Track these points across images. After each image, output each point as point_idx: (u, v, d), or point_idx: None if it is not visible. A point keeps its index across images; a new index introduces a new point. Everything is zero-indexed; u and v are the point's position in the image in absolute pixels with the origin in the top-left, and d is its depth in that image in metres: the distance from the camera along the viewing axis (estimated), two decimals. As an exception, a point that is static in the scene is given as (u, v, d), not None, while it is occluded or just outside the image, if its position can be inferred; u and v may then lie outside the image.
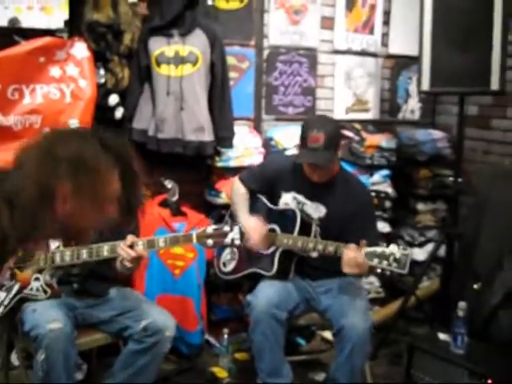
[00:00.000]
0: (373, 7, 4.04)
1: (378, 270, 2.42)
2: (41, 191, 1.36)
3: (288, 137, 3.53)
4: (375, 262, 2.40)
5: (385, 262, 2.38)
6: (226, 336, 3.24)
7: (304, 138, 2.65)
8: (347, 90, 4.07)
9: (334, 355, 2.66)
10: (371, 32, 4.07)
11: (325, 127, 2.62)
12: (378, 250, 2.41)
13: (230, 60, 3.55)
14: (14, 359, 2.97)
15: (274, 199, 2.88)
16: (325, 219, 2.72)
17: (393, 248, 2.39)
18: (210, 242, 2.30)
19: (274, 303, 2.62)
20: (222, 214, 3.36)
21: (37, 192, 1.36)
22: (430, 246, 3.89)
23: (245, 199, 2.92)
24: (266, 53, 3.78)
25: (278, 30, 3.79)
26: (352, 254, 2.46)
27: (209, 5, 3.44)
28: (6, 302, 2.44)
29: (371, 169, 3.79)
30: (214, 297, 3.48)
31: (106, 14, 2.98)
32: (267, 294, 2.65)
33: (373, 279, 3.91)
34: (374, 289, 3.92)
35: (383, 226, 3.76)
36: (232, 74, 3.56)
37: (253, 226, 2.74)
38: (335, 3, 3.94)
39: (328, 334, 3.53)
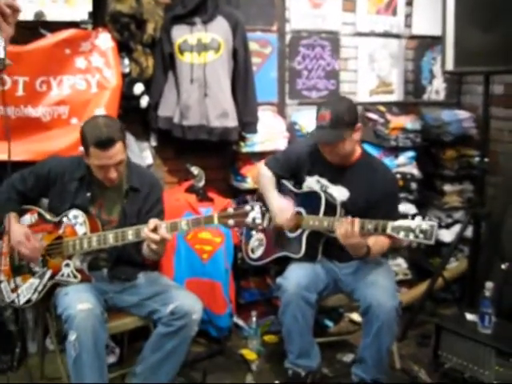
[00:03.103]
0: (395, -12, 4.01)
1: (405, 244, 2.43)
2: None
3: (312, 121, 3.53)
4: (402, 234, 2.40)
5: (411, 235, 2.38)
6: (254, 319, 3.30)
7: (316, 117, 2.70)
8: (371, 73, 4.05)
9: (362, 336, 2.68)
10: (394, 13, 4.03)
11: (333, 106, 2.63)
12: (404, 222, 2.41)
13: (253, 45, 3.57)
14: (49, 344, 3.07)
15: (298, 183, 2.91)
16: (348, 202, 2.73)
17: (418, 220, 2.39)
18: (231, 221, 2.33)
19: (304, 285, 2.65)
20: (246, 199, 3.41)
21: None
22: (457, 227, 3.87)
23: (272, 182, 2.95)
24: (288, 37, 3.79)
25: (299, 14, 3.78)
26: (347, 225, 2.50)
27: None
28: (39, 288, 2.53)
29: (396, 150, 3.77)
30: (242, 280, 3.53)
31: (128, 4, 3.01)
32: (297, 276, 2.68)
33: (400, 261, 3.92)
34: (402, 270, 3.92)
35: (409, 208, 3.75)
36: (255, 60, 3.58)
37: (281, 206, 2.80)
38: (356, -15, 3.92)
39: (356, 316, 3.56)
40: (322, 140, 2.69)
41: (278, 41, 3.75)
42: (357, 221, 2.50)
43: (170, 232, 2.35)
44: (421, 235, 2.36)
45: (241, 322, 3.47)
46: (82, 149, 2.51)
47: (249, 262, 3.06)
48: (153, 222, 2.34)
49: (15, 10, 1.76)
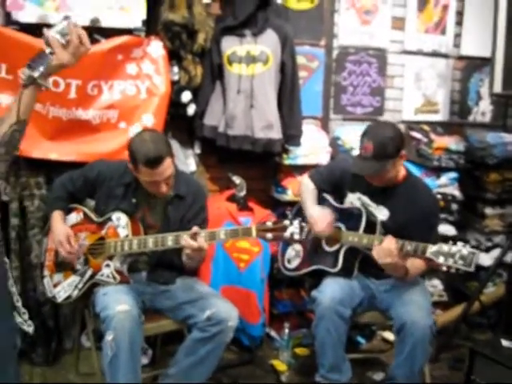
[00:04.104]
0: (445, 7, 3.99)
1: (444, 268, 2.41)
2: None
3: (355, 137, 3.52)
4: (441, 259, 2.39)
5: (451, 260, 2.36)
6: (286, 330, 3.30)
7: (360, 145, 2.68)
8: (416, 91, 4.04)
9: (395, 354, 2.66)
10: (443, 33, 4.02)
11: (377, 137, 2.59)
12: (445, 247, 2.39)
13: (300, 59, 3.60)
14: (84, 341, 3.14)
15: (339, 198, 2.91)
16: (388, 223, 2.72)
17: (459, 245, 2.37)
18: (269, 235, 2.35)
19: (339, 300, 2.65)
20: (286, 212, 3.41)
21: None
22: (496, 252, 3.81)
23: (313, 194, 2.96)
24: (335, 53, 3.81)
25: (348, 30, 3.81)
26: (387, 243, 2.49)
27: (279, 4, 3.50)
28: (79, 286, 2.59)
29: (439, 171, 3.75)
30: (276, 291, 3.54)
31: (181, 14, 3.09)
32: (332, 291, 2.68)
33: (436, 282, 3.88)
34: (437, 292, 3.88)
35: (448, 229, 3.71)
36: (301, 73, 3.61)
37: (318, 214, 2.81)
38: (406, 3, 3.92)
39: (388, 335, 3.53)
40: (364, 172, 2.67)
41: (326, 56, 3.77)
42: (396, 241, 2.50)
43: (208, 241, 2.39)
44: (460, 261, 2.34)
45: (273, 333, 3.48)
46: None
47: (284, 272, 3.06)
48: (195, 228, 2.39)
49: (83, 44, 1.76)
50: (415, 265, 2.64)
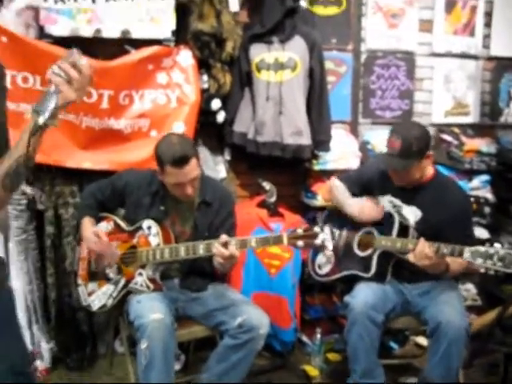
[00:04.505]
0: (473, 9, 3.95)
1: (482, 270, 2.39)
2: None
3: (384, 141, 3.52)
4: (479, 261, 2.35)
5: (489, 262, 2.33)
6: (318, 335, 3.30)
7: (387, 141, 2.70)
8: (446, 93, 4.01)
9: (428, 357, 2.63)
10: (472, 34, 3.98)
11: (404, 134, 2.62)
12: (482, 249, 2.36)
13: (328, 64, 3.60)
14: (118, 346, 3.19)
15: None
16: (421, 223, 2.71)
17: (497, 247, 2.34)
18: (300, 243, 2.36)
19: (371, 305, 2.64)
20: (316, 216, 3.42)
21: None
22: (531, 255, 3.76)
23: (346, 191, 2.96)
24: (363, 57, 3.80)
25: (375, 33, 3.80)
26: (422, 247, 2.48)
27: (306, 10, 3.50)
28: (114, 295, 2.63)
29: (470, 174, 3.72)
30: (307, 296, 3.54)
31: (209, 23, 3.12)
32: (365, 296, 2.68)
33: (470, 286, 3.84)
34: (471, 296, 3.83)
35: (482, 233, 3.67)
36: (329, 78, 3.62)
37: (361, 204, 2.82)
38: (434, 6, 3.89)
39: (421, 340, 3.51)
40: (391, 168, 2.71)
41: (353, 60, 3.77)
42: (430, 244, 2.48)
43: (239, 249, 2.40)
44: (499, 263, 2.31)
45: (305, 338, 3.49)
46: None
47: (315, 278, 3.06)
48: (224, 236, 2.40)
49: (83, 75, 1.60)
50: (458, 261, 2.59)
